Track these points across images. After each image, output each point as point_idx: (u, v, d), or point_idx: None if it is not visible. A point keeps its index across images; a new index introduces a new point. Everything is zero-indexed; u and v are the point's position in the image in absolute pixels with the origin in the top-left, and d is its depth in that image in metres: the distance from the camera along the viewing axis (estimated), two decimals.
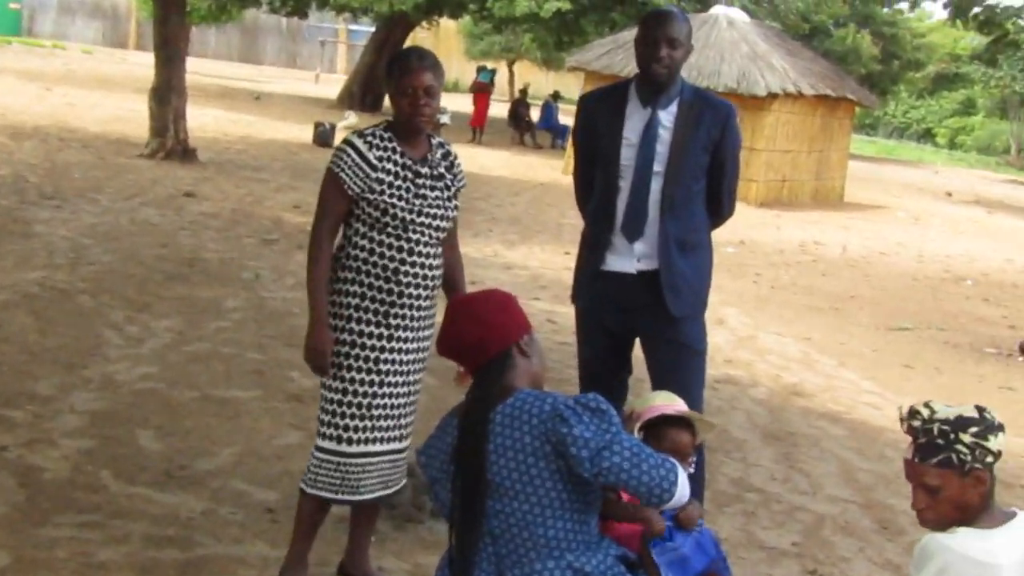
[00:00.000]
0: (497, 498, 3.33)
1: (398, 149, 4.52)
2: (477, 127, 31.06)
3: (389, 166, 4.48)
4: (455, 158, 4.75)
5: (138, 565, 4.70)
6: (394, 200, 4.45)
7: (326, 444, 4.54)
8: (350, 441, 4.51)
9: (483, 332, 3.48)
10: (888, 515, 6.52)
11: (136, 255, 10.62)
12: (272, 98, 35.19)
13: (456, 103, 35.33)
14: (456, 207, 4.68)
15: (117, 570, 4.63)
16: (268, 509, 5.44)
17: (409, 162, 4.53)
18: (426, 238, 4.53)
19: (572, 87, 44.04)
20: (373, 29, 38.95)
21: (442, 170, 4.64)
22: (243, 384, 7.26)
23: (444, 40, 52.34)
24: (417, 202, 4.50)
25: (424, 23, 36.60)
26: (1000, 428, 3.09)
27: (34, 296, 8.66)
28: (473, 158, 25.48)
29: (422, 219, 4.50)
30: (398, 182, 4.48)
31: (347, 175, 4.44)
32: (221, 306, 9.19)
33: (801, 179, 25.00)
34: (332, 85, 40.94)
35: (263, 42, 57.09)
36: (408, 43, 40.93)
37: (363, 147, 4.48)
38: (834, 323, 12.13)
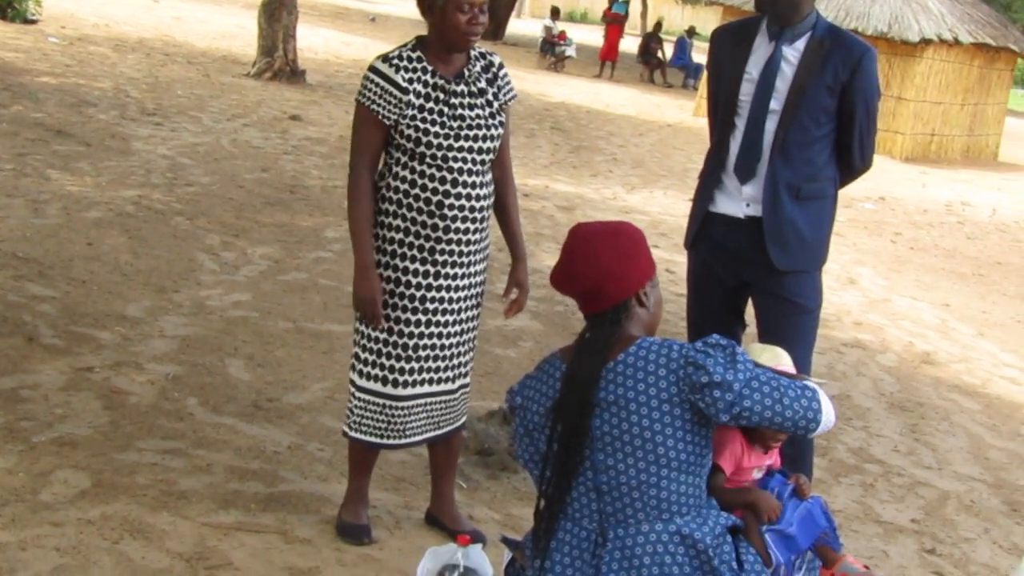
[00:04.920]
0: (610, 453, 3.26)
1: (428, 68, 4.37)
2: (608, 61, 30.93)
3: (419, 87, 4.34)
4: (499, 68, 4.57)
5: (220, 496, 4.82)
6: (427, 126, 4.32)
7: (370, 385, 4.50)
8: (396, 383, 4.46)
9: (603, 281, 3.33)
10: (1019, 497, 6.45)
11: (236, 178, 10.81)
12: (388, 20, 35.36)
13: (581, 35, 35.18)
14: (502, 123, 4.51)
15: (198, 500, 4.75)
16: None
17: (442, 81, 4.37)
18: (469, 165, 4.39)
19: (709, 22, 43.62)
20: None
21: (483, 84, 4.48)
22: (339, 318, 7.35)
23: None
24: (455, 124, 4.35)
25: None
26: None
27: (129, 215, 8.86)
28: (597, 94, 25.44)
29: (461, 143, 4.36)
30: (430, 104, 4.34)
31: (378, 105, 4.32)
32: (321, 236, 9.33)
33: (952, 134, 24.50)
34: None
35: None
36: None
37: (388, 70, 4.33)
38: (976, 290, 11.92)
